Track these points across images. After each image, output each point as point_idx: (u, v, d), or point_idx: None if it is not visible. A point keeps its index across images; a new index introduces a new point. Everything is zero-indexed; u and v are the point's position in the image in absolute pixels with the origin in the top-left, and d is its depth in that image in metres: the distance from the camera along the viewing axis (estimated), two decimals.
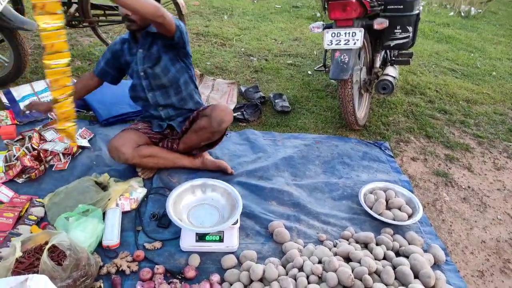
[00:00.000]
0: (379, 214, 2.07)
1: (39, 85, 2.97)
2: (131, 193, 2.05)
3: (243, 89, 3.37)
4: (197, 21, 5.31)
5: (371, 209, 2.11)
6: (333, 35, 2.37)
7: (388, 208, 2.13)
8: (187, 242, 1.78)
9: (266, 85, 3.61)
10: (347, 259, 1.75)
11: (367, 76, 2.91)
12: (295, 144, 2.70)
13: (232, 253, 1.80)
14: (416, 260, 1.70)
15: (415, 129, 3.09)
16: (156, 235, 1.89)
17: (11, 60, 2.94)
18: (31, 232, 1.79)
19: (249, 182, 2.26)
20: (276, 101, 3.20)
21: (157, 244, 1.82)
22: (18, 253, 1.44)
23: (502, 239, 2.09)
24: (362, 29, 2.33)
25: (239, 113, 3.03)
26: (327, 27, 2.47)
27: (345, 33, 2.34)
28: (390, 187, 2.25)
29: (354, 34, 2.32)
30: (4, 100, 2.81)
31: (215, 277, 1.65)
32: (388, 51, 3.20)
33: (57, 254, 1.53)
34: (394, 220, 2.03)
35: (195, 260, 1.73)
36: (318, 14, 6.08)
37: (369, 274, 1.62)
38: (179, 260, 1.75)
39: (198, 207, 1.91)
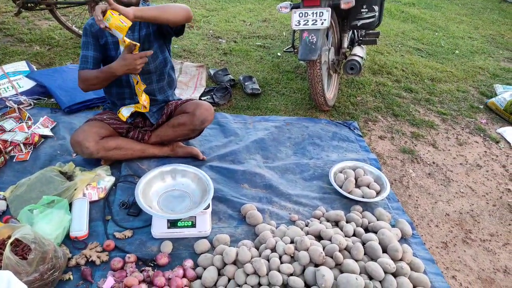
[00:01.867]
0: (348, 192, 2.11)
1: None
2: (98, 182, 1.99)
3: (212, 72, 3.31)
4: (162, 2, 5.14)
5: (341, 187, 2.15)
6: (301, 15, 2.35)
7: (357, 186, 2.18)
8: (159, 229, 1.76)
9: (236, 68, 3.56)
10: (319, 237, 1.78)
11: (335, 57, 2.93)
12: (266, 126, 2.70)
13: (205, 237, 1.79)
14: (384, 235, 1.75)
15: (383, 108, 3.15)
16: (127, 223, 1.85)
17: None
18: None
19: (220, 166, 2.24)
20: (246, 83, 3.17)
21: (128, 233, 1.78)
22: None
23: (464, 211, 2.18)
24: (329, 9, 2.32)
25: (209, 96, 2.98)
26: (295, 7, 2.44)
27: (313, 13, 2.32)
28: (359, 165, 2.30)
29: (321, 14, 2.31)
30: None
31: (188, 263, 1.65)
32: (355, 31, 3.21)
33: (21, 248, 1.48)
34: (363, 197, 2.08)
35: (167, 247, 1.72)
36: None
37: (340, 250, 1.66)
38: (151, 248, 1.73)
39: (169, 193, 1.88)
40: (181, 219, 1.76)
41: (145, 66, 2.01)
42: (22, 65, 2.94)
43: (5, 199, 1.87)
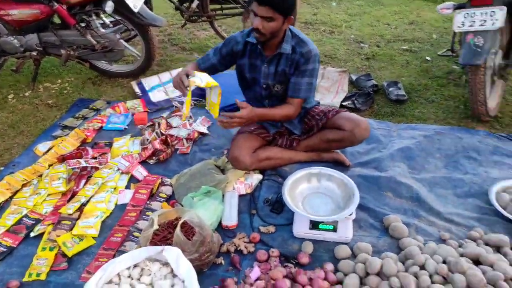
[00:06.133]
0: None
1: (165, 76, 3.29)
2: (246, 178, 2.15)
3: (354, 77, 3.26)
4: (305, 9, 5.27)
5: (504, 209, 1.88)
6: (466, 15, 2.13)
7: None
8: (300, 228, 1.81)
9: (379, 73, 3.43)
10: (476, 262, 1.59)
11: (503, 61, 2.56)
12: (413, 135, 2.52)
13: (345, 244, 1.77)
14: None
15: None
16: (270, 219, 1.95)
17: (143, 54, 3.29)
18: (161, 208, 2.01)
19: (363, 173, 2.19)
20: (390, 89, 3.03)
21: (271, 228, 1.88)
22: (156, 226, 1.63)
23: None
24: (504, 7, 2.04)
25: (350, 102, 2.94)
26: (459, 7, 2.23)
27: (481, 13, 2.08)
28: None
29: (493, 13, 2.05)
30: (137, 90, 3.18)
31: (329, 266, 1.65)
32: None
33: (185, 229, 1.68)
34: None
35: (308, 247, 1.75)
36: None
37: (505, 280, 1.45)
38: (292, 246, 1.79)
39: (313, 195, 1.92)
40: (323, 221, 1.77)
41: (278, 93, 2.09)
42: None
43: (171, 185, 2.17)
